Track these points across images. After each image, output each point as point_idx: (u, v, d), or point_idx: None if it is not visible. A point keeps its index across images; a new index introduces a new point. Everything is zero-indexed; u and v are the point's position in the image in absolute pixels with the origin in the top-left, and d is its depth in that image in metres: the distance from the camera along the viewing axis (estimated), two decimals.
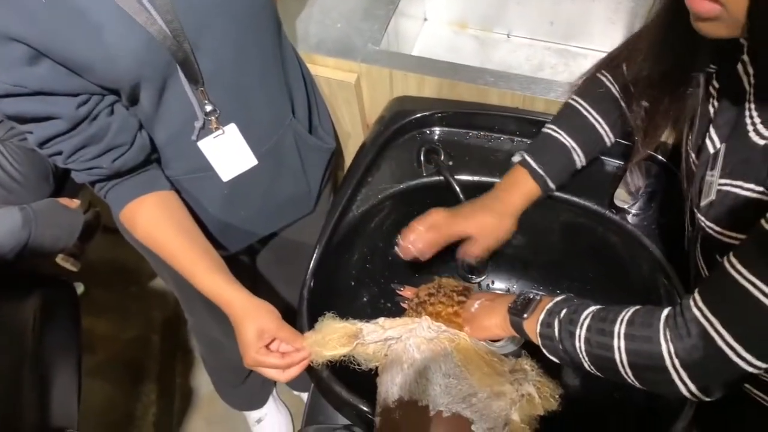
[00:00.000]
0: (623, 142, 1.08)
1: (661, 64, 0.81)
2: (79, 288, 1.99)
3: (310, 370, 0.94)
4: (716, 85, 0.78)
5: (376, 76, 1.22)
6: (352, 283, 1.18)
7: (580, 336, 0.76)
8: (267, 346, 0.88)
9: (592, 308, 0.78)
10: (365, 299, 1.20)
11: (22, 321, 1.26)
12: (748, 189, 0.69)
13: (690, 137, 0.84)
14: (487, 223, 0.96)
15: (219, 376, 1.76)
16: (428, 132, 1.20)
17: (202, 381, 2.02)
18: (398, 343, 0.85)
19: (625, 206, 1.03)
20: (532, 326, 0.82)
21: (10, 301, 1.26)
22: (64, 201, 1.22)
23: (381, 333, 0.85)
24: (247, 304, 0.89)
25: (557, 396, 0.86)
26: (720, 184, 0.72)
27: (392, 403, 0.79)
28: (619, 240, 1.09)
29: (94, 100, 0.85)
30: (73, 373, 1.36)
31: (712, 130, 0.77)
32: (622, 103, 0.94)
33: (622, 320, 0.74)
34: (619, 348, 0.72)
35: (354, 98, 1.26)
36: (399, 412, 0.78)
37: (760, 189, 0.67)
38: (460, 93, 1.18)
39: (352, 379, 0.94)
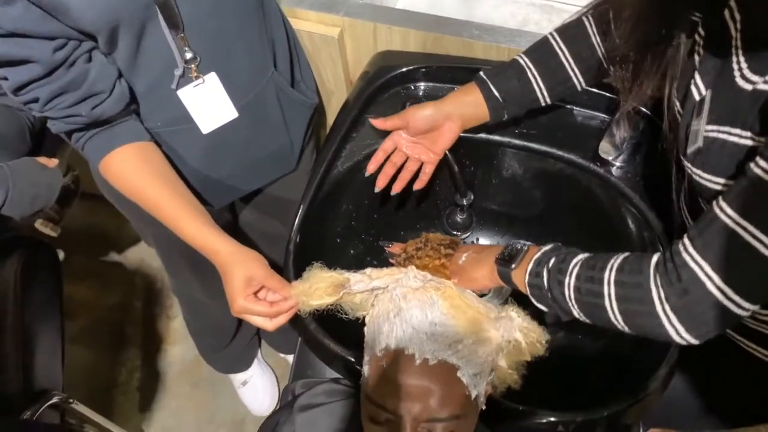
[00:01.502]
0: (606, 94, 1.09)
1: (649, 19, 0.81)
2: (59, 254, 1.95)
3: (297, 321, 0.94)
4: (702, 32, 0.78)
5: (359, 30, 1.21)
6: (338, 240, 1.18)
7: (569, 284, 0.77)
8: (255, 294, 0.87)
9: (581, 256, 0.78)
10: (351, 255, 1.19)
11: (1, 283, 1.24)
12: (735, 134, 0.69)
13: (674, 86, 0.84)
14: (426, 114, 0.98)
15: (203, 340, 1.75)
16: (413, 87, 1.18)
17: (186, 346, 2.01)
18: (385, 293, 0.85)
19: (609, 158, 1.03)
20: (521, 276, 0.83)
21: None
22: (42, 160, 1.19)
23: (368, 283, 0.85)
24: (234, 252, 0.88)
25: (544, 341, 0.87)
26: (707, 131, 0.72)
27: (379, 352, 0.79)
28: (603, 192, 1.10)
29: (72, 46, 0.83)
30: (56, 336, 1.35)
31: (697, 77, 0.76)
32: (600, 52, 0.93)
33: (611, 267, 0.74)
34: (609, 295, 0.73)
35: (337, 53, 1.24)
36: (386, 360, 0.78)
37: (748, 134, 0.68)
38: (445, 47, 1.17)
39: (339, 330, 0.94)
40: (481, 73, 0.98)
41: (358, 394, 0.85)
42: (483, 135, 1.10)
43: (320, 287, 0.85)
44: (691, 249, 0.67)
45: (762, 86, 0.66)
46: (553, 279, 0.78)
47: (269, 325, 0.87)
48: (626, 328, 0.74)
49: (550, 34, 0.97)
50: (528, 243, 0.87)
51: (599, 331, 0.80)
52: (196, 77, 0.94)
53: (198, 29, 0.89)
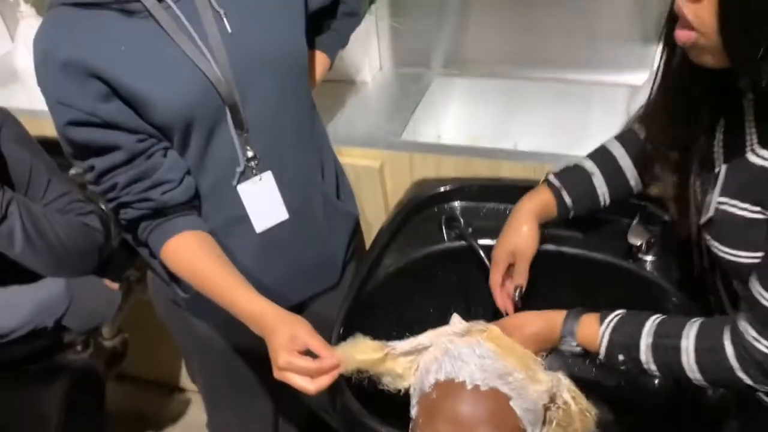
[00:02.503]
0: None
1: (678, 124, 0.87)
2: None
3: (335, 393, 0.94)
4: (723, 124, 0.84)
5: (397, 161, 1.35)
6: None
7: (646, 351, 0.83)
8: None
9: (649, 327, 0.84)
10: None
11: (47, 410, 1.25)
12: (743, 209, 0.76)
13: (694, 169, 0.88)
14: (509, 239, 1.02)
15: None
16: (446, 207, 1.29)
17: None
18: (429, 352, 0.86)
19: (638, 243, 1.08)
20: (591, 329, 0.87)
21: (37, 388, 1.26)
22: (105, 282, 1.29)
23: (411, 341, 0.87)
24: (281, 313, 0.91)
25: (593, 413, 0.85)
26: (719, 202, 0.79)
27: (428, 388, 0.79)
28: (638, 289, 1.12)
29: (151, 141, 0.97)
30: None
31: (715, 154, 0.83)
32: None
33: (688, 336, 0.80)
34: (689, 364, 0.80)
35: (378, 184, 1.37)
36: (436, 392, 0.77)
37: (757, 209, 0.74)
38: (476, 169, 1.29)
39: (377, 410, 0.93)
40: (550, 177, 1.07)
41: None
42: None
43: (364, 347, 0.86)
44: (754, 333, 0.75)
45: None
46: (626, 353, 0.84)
47: (311, 387, 0.86)
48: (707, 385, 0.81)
49: (609, 140, 1.05)
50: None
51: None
52: (255, 175, 1.06)
53: (259, 131, 1.03)
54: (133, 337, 1.98)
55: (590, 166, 1.04)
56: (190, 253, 1.01)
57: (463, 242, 1.21)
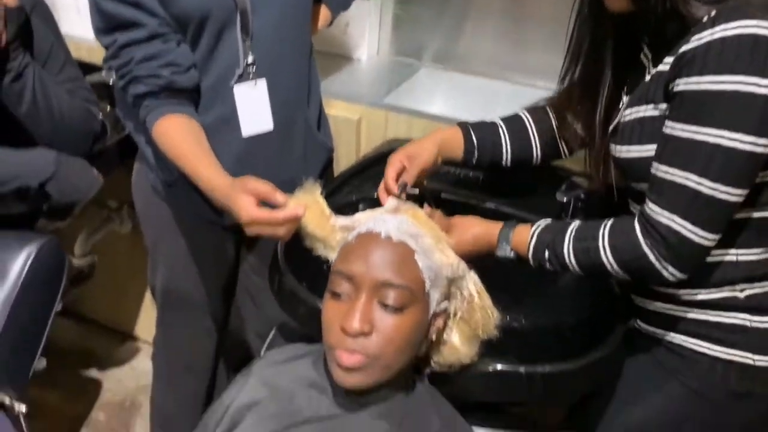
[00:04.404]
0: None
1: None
2: (41, 362, 2.02)
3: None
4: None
5: (374, 118, 1.50)
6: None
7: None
8: None
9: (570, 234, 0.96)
10: None
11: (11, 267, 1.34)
12: (638, 110, 0.93)
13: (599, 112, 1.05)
14: (407, 147, 1.15)
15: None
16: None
17: None
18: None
19: (565, 199, 1.21)
20: (523, 233, 1.00)
21: (3, 248, 1.35)
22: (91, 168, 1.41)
23: (351, 217, 0.99)
24: (234, 180, 1.03)
25: (495, 315, 0.97)
26: (624, 115, 0.97)
27: (352, 239, 0.91)
28: None
29: (169, 28, 1.13)
30: (35, 340, 1.40)
31: (625, 99, 1.01)
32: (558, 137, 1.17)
33: (603, 236, 0.93)
34: (603, 247, 0.92)
35: (354, 136, 1.52)
36: (355, 240, 0.90)
37: (651, 106, 0.92)
38: None
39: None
40: (467, 122, 1.23)
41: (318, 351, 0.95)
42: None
43: (315, 209, 0.97)
44: (658, 209, 0.88)
45: (660, 68, 0.91)
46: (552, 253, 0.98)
47: (281, 231, 0.96)
48: (625, 275, 0.93)
49: (522, 112, 1.21)
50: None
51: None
52: (251, 79, 1.21)
53: (262, 40, 1.19)
54: (97, 280, 2.08)
55: (499, 122, 1.19)
56: (178, 133, 1.14)
57: (416, 190, 1.34)
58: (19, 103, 1.25)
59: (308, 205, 0.98)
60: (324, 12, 1.42)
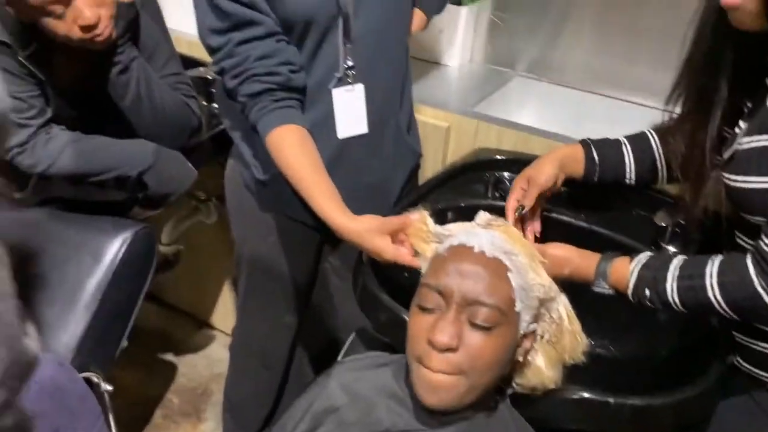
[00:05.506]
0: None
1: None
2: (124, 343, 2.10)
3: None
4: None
5: (464, 126, 1.48)
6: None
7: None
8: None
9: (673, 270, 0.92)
10: None
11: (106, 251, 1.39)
12: (760, 140, 0.87)
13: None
14: (527, 170, 1.14)
15: (238, 416, 1.75)
16: (498, 174, 1.40)
17: None
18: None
19: (663, 224, 1.16)
20: (622, 270, 0.96)
21: (98, 236, 1.41)
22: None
23: (442, 227, 0.98)
24: (356, 228, 1.04)
25: (584, 341, 0.93)
26: (740, 143, 0.91)
27: (443, 251, 0.89)
28: None
29: (280, 29, 1.14)
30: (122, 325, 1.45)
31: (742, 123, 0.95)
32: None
33: (710, 274, 0.89)
34: (711, 285, 0.88)
35: (442, 144, 1.51)
36: (447, 252, 0.88)
37: None
38: (533, 148, 1.41)
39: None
40: (588, 139, 1.18)
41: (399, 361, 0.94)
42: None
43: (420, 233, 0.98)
44: None
45: None
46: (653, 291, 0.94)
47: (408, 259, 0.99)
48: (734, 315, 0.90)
49: (648, 130, 1.16)
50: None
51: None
52: (349, 83, 1.21)
53: (362, 45, 1.19)
54: (179, 268, 2.15)
55: (623, 140, 1.15)
56: (293, 147, 1.13)
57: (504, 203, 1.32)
58: (123, 95, 1.30)
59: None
60: (419, 15, 1.41)
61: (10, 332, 0.34)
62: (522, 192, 1.12)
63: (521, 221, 1.15)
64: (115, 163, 1.34)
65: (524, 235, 1.12)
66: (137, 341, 2.08)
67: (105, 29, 1.21)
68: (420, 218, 1.00)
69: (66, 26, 1.19)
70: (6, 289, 0.35)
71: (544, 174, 1.11)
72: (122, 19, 1.26)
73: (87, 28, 1.19)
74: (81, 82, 1.34)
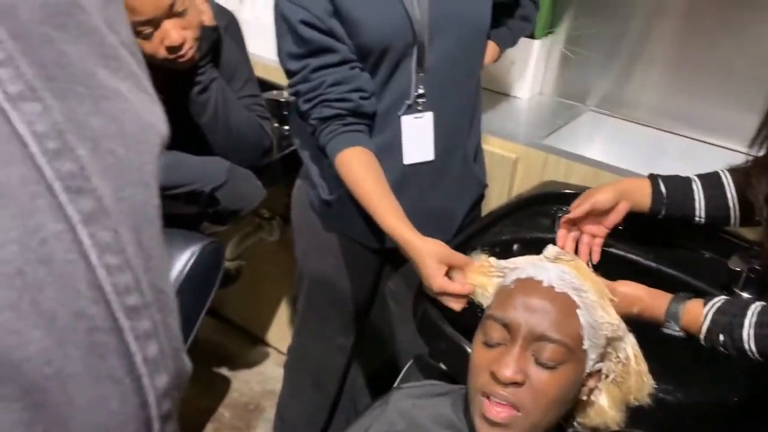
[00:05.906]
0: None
1: None
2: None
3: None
4: None
5: (532, 159, 1.48)
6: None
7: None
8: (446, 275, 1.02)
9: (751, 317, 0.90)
10: None
11: (175, 263, 1.43)
12: None
13: None
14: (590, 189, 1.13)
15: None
16: (565, 209, 1.38)
17: None
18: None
19: (738, 269, 1.12)
20: (695, 312, 0.94)
21: (170, 245, 1.46)
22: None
23: (508, 261, 0.97)
24: (424, 245, 1.06)
25: (651, 382, 0.91)
26: None
27: (509, 282, 0.89)
28: None
29: (355, 57, 1.17)
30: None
31: None
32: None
33: None
34: None
35: (509, 176, 1.50)
36: (514, 284, 0.87)
37: None
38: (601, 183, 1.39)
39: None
40: (657, 174, 1.16)
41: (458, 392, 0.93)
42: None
43: (479, 270, 0.99)
44: None
45: None
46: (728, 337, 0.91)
47: (458, 306, 1.01)
48: None
49: (721, 170, 1.14)
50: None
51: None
52: (419, 111, 1.23)
53: (434, 74, 1.21)
54: (239, 284, 2.19)
55: (694, 177, 1.12)
56: (361, 167, 1.16)
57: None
58: (202, 113, 1.35)
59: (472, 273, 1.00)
60: (492, 47, 1.43)
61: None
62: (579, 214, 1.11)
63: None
64: (191, 177, 1.38)
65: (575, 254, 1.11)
66: (192, 353, 2.13)
67: (189, 51, 1.27)
68: (483, 260, 1.00)
69: (152, 46, 1.24)
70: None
71: (602, 192, 1.10)
72: (205, 41, 1.32)
73: (172, 49, 1.25)
74: (162, 100, 1.39)
